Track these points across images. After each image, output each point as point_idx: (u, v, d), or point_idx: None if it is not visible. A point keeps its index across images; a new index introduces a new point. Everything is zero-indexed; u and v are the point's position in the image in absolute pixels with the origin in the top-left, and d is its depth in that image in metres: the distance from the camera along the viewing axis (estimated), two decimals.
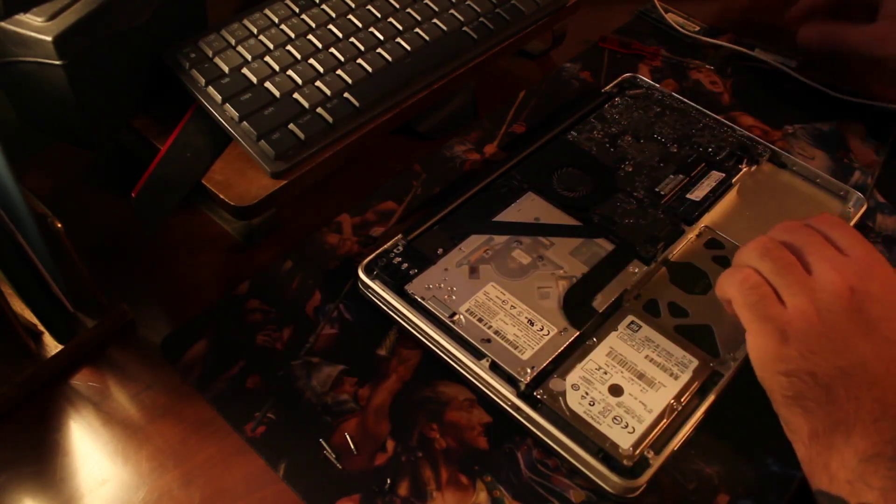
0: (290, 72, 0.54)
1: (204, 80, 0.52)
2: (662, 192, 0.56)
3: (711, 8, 0.80)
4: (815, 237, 0.44)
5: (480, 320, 0.47)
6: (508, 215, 0.54)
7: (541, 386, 0.45)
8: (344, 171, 0.59)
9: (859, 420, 0.39)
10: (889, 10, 0.62)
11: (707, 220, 0.55)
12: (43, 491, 0.42)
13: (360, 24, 0.58)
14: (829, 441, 0.39)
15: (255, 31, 0.55)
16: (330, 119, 0.53)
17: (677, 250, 0.53)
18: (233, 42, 0.55)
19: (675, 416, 0.44)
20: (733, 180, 0.58)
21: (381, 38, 0.58)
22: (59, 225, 0.43)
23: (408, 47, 0.58)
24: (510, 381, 0.45)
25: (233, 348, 0.49)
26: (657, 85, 0.66)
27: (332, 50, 0.56)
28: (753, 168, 0.60)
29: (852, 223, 0.55)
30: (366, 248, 0.54)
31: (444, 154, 0.62)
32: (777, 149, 0.61)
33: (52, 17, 0.45)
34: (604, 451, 0.42)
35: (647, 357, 0.46)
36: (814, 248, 0.43)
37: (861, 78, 0.68)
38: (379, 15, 0.59)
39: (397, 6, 0.60)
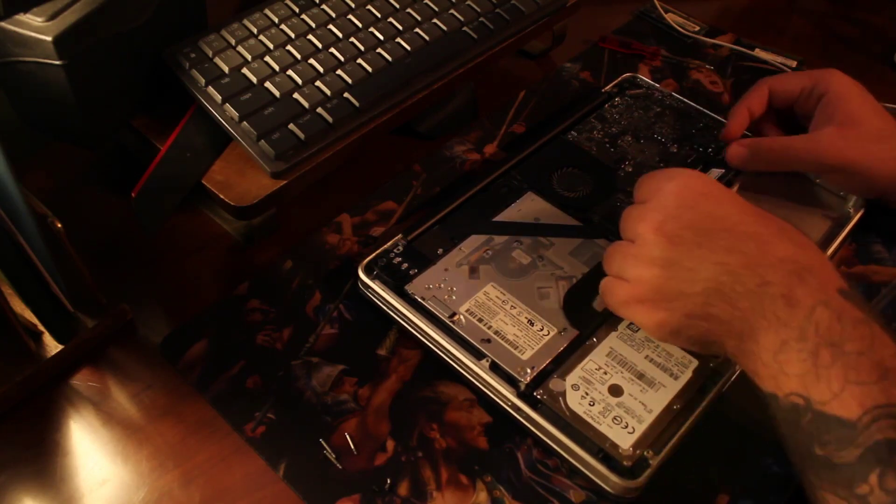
0: (290, 72, 0.54)
1: (204, 80, 0.52)
2: None
3: (711, 8, 0.80)
4: (626, 211, 0.45)
5: (480, 320, 0.47)
6: (508, 215, 0.54)
7: (541, 386, 0.45)
8: (344, 171, 0.59)
9: (754, 317, 0.39)
10: (829, 116, 0.53)
11: None
12: (43, 491, 0.42)
13: (360, 24, 0.58)
14: (746, 352, 0.40)
15: (255, 31, 0.55)
16: (330, 119, 0.53)
17: None
18: (233, 42, 0.55)
19: (675, 416, 0.44)
20: (733, 180, 0.58)
21: (381, 38, 0.58)
22: (59, 225, 0.43)
23: (408, 47, 0.58)
24: (510, 381, 0.45)
25: (233, 348, 0.49)
26: (657, 85, 0.66)
27: (332, 50, 0.56)
28: None
29: (851, 224, 0.55)
30: (366, 248, 0.54)
31: (444, 154, 0.62)
32: None
33: (52, 17, 0.46)
34: (604, 451, 0.42)
35: (647, 357, 0.46)
36: (624, 221, 0.45)
37: None
38: (379, 15, 0.59)
39: (397, 6, 0.60)
